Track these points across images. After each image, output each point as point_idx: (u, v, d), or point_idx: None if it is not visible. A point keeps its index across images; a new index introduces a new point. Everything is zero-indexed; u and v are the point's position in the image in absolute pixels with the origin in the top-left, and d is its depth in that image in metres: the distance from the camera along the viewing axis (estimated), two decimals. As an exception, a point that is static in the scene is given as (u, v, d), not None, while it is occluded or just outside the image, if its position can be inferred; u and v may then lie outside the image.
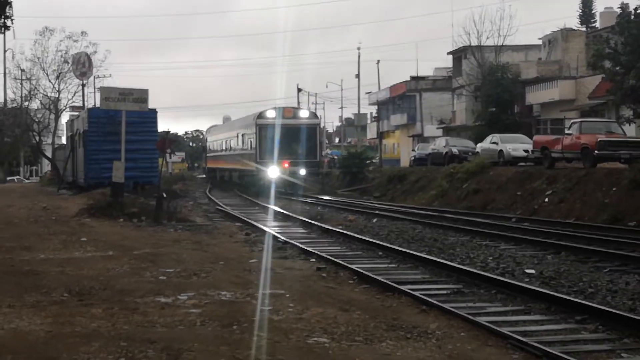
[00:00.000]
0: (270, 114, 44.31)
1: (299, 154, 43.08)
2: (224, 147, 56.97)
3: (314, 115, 47.21)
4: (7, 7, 24.33)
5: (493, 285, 12.33)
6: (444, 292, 12.16)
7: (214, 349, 7.99)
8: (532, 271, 14.29)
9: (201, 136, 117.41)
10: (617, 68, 36.38)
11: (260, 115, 44.84)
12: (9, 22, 25.67)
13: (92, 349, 7.84)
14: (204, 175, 71.17)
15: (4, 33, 31.22)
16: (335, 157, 72.68)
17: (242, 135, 49.15)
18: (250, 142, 45.79)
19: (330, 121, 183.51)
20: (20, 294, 10.91)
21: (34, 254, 15.36)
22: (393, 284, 12.19)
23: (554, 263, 15.48)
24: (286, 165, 42.41)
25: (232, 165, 52.09)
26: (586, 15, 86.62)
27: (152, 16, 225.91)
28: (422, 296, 11.18)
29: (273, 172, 42.07)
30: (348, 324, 9.31)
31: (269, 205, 32.38)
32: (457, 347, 8.49)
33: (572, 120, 33.40)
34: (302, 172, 43.10)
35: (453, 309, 10.30)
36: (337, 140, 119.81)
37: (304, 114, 45.90)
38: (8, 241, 17.23)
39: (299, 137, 43.38)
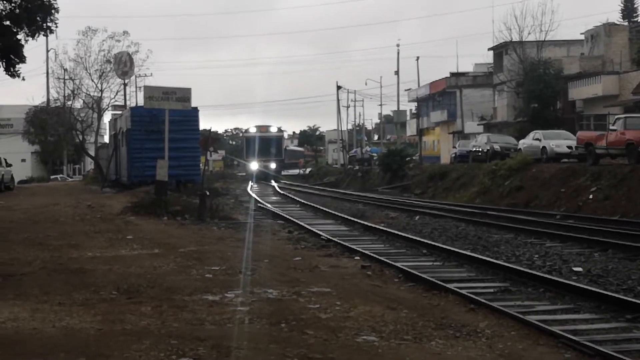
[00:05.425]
0: (252, 129, 71.70)
1: (270, 154, 68.17)
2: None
3: (280, 130, 73.38)
4: (53, 11, 24.65)
5: (540, 284, 12.20)
6: (491, 290, 12.03)
7: (264, 347, 7.99)
8: (580, 269, 14.13)
9: (240, 134, 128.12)
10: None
11: (246, 131, 74.72)
12: (53, 26, 26.02)
13: (143, 347, 7.86)
14: (244, 173, 77.14)
15: (46, 35, 31.53)
16: (374, 155, 72.59)
17: (241, 142, 78.45)
18: (243, 147, 72.91)
19: (370, 118, 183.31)
20: (70, 292, 11.00)
21: (81, 252, 15.49)
22: (439, 282, 12.10)
23: (601, 261, 15.29)
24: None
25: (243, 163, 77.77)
26: (628, 9, 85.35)
27: (196, 15, 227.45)
28: (469, 294, 11.08)
29: (253, 166, 66.15)
30: (396, 323, 9.27)
31: (310, 203, 32.54)
32: (508, 346, 8.41)
33: (616, 116, 32.96)
34: (272, 166, 67.86)
35: (502, 308, 10.20)
36: (376, 137, 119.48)
37: (273, 129, 71.59)
38: (56, 239, 17.40)
39: (270, 144, 68.70)
